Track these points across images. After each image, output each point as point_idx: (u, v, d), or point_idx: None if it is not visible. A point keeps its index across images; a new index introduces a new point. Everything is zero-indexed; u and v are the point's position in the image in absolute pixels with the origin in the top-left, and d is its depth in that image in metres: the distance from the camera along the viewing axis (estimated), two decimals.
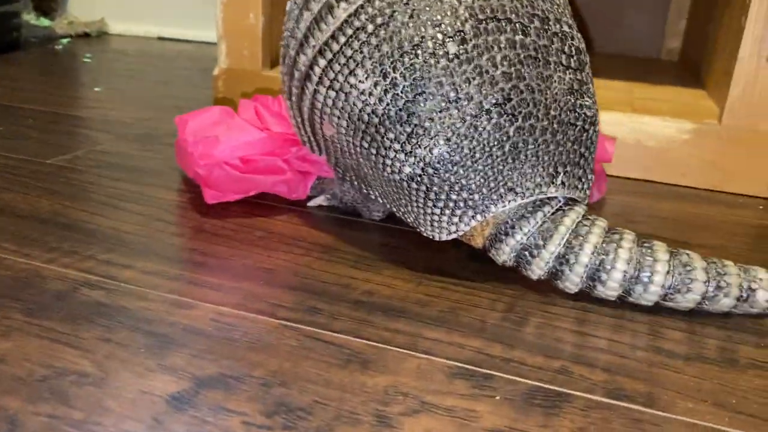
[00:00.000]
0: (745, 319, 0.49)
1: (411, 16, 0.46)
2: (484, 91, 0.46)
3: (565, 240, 0.47)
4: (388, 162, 0.48)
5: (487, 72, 0.46)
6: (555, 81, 0.47)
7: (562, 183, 0.48)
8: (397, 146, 0.47)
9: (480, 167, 0.46)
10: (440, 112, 0.46)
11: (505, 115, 0.46)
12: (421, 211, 0.49)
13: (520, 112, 0.46)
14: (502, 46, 0.46)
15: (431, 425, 0.35)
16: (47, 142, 0.82)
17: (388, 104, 0.47)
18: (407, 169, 0.47)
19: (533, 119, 0.47)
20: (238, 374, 0.38)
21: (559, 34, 0.48)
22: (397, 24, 0.47)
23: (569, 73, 0.48)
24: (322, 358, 0.40)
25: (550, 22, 0.48)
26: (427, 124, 0.46)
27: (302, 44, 0.52)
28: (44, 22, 1.77)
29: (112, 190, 0.66)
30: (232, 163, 0.61)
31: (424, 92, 0.46)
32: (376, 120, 0.47)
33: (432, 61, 0.46)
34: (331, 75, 0.49)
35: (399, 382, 0.38)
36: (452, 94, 0.45)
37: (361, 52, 0.47)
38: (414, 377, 0.39)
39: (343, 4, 0.49)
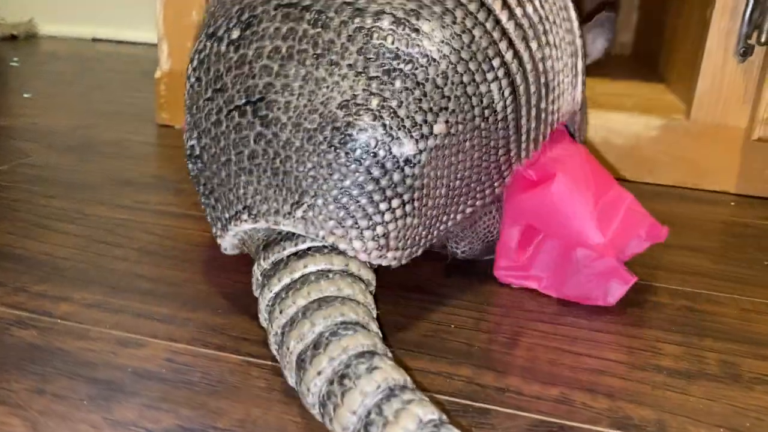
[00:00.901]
0: (739, 326, 0.46)
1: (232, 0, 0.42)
2: (239, 85, 0.39)
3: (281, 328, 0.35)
4: None
5: (250, 63, 0.39)
6: (327, 86, 0.37)
7: (303, 218, 0.37)
8: (185, 133, 0.43)
9: (223, 174, 0.40)
10: (204, 101, 0.41)
11: (249, 116, 0.38)
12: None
13: (266, 116, 0.38)
14: (280, 34, 0.38)
15: None
16: None
17: (186, 87, 0.43)
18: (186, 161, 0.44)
19: (279, 127, 0.38)
20: (199, 426, 0.33)
21: (366, 30, 0.37)
22: (214, 7, 0.43)
23: (358, 81, 0.37)
24: (296, 401, 0.35)
25: (363, 15, 0.37)
26: (193, 111, 0.42)
27: None
28: None
29: (44, 209, 0.59)
30: None
31: (200, 78, 0.41)
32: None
33: (214, 46, 0.40)
34: None
35: None
36: (218, 82, 0.40)
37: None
38: None
39: None
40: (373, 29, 0.37)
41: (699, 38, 0.75)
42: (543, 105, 0.46)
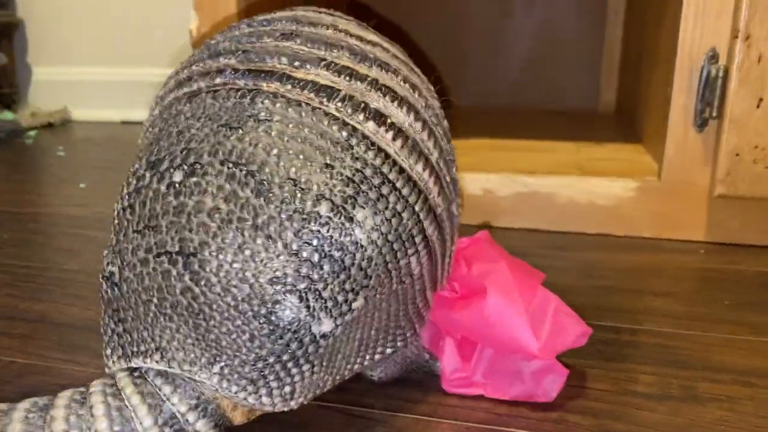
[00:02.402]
0: (700, 357, 0.59)
1: (179, 131, 0.43)
2: (173, 233, 0.40)
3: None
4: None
5: (189, 215, 0.40)
6: (266, 261, 0.39)
7: (221, 373, 0.40)
8: (106, 253, 0.44)
9: (141, 310, 0.41)
10: (133, 232, 0.41)
11: (180, 267, 0.39)
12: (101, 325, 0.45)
13: (197, 273, 0.39)
14: (222, 194, 0.40)
15: None
16: (54, 247, 0.88)
17: (117, 204, 0.44)
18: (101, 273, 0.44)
19: (208, 287, 0.39)
20: None
21: (305, 214, 0.39)
22: (166, 133, 0.43)
23: (291, 261, 0.39)
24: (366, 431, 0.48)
25: (305, 196, 0.39)
26: (120, 238, 0.42)
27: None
28: (8, 115, 1.81)
29: None
30: None
31: (132, 206, 0.42)
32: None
33: (153, 181, 0.41)
34: None
35: None
36: (152, 221, 0.41)
37: (140, 152, 0.45)
38: None
39: (159, 107, 0.48)
40: (312, 214, 0.39)
41: (664, 110, 0.89)
42: (453, 248, 0.51)
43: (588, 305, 0.69)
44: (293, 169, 0.40)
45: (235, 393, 0.40)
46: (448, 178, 0.48)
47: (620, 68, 1.51)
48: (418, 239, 0.44)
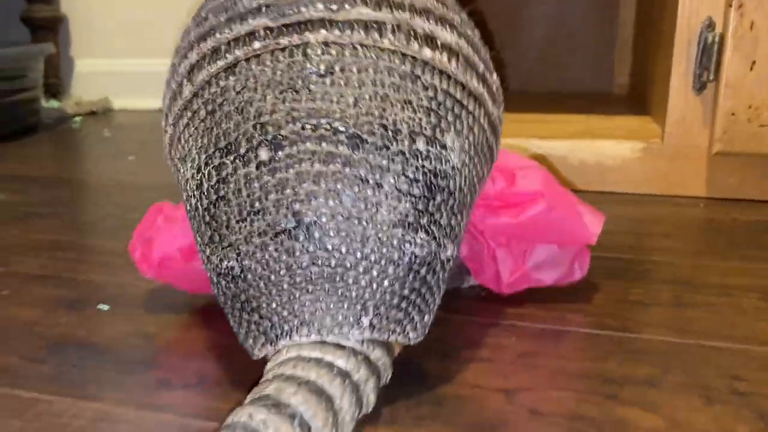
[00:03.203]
0: (688, 276, 0.66)
1: (237, 108, 0.41)
2: (284, 209, 0.39)
3: None
4: (202, 259, 0.43)
5: (294, 187, 0.39)
6: (384, 209, 0.39)
7: (371, 325, 0.40)
8: (202, 246, 0.43)
9: (273, 292, 0.40)
10: (237, 222, 0.40)
11: (302, 239, 0.39)
12: (229, 321, 0.43)
13: (320, 239, 0.39)
14: (320, 158, 0.39)
15: (480, 354, 0.52)
16: (113, 203, 0.98)
17: (198, 200, 0.42)
18: (209, 274, 0.43)
19: (335, 250, 0.39)
20: None
21: (407, 153, 0.40)
22: (222, 114, 0.42)
23: (406, 202, 0.40)
24: None
25: (400, 136, 0.40)
26: (223, 232, 0.41)
27: (166, 116, 0.50)
28: (54, 104, 1.93)
29: None
30: (174, 256, 0.55)
31: (225, 197, 0.41)
32: (192, 213, 0.43)
33: (239, 165, 0.40)
34: (176, 155, 0.47)
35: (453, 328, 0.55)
36: (255, 205, 0.40)
37: (192, 139, 0.44)
38: (459, 331, 0.56)
39: (188, 86, 0.45)
40: (413, 152, 0.40)
41: (666, 78, 0.97)
42: None
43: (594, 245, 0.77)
44: (376, 113, 0.40)
45: (388, 338, 0.41)
46: (494, 87, 0.49)
47: (633, 52, 1.59)
48: (486, 149, 0.47)
